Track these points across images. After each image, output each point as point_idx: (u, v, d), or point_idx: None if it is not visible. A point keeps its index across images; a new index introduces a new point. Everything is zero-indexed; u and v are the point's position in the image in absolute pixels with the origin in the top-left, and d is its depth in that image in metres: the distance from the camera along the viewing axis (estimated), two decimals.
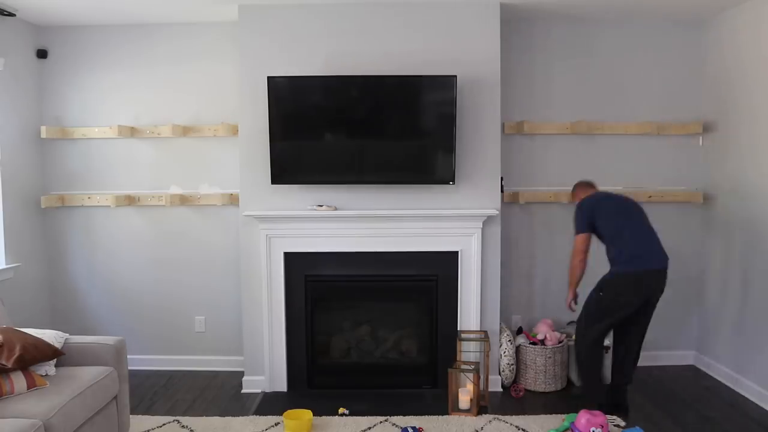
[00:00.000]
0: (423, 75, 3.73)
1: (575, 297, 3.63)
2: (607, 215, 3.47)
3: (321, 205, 3.83)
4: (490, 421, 3.45)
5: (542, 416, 3.51)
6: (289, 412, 3.38)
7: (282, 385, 3.94)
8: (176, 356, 4.37)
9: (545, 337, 3.99)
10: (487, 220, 3.84)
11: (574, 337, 3.72)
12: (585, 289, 3.55)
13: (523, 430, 3.34)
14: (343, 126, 3.81)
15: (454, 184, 3.78)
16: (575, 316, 3.71)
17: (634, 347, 3.57)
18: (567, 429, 3.29)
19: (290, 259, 3.87)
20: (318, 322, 3.99)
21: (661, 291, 3.48)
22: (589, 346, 3.52)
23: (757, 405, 3.66)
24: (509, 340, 3.96)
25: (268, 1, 3.75)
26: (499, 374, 3.97)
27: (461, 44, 3.81)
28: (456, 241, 3.85)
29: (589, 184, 3.74)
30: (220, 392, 3.96)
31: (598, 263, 3.51)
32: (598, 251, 3.52)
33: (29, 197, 4.15)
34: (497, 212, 3.82)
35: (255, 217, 3.80)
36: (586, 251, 3.50)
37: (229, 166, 4.20)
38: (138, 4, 3.76)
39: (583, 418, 3.18)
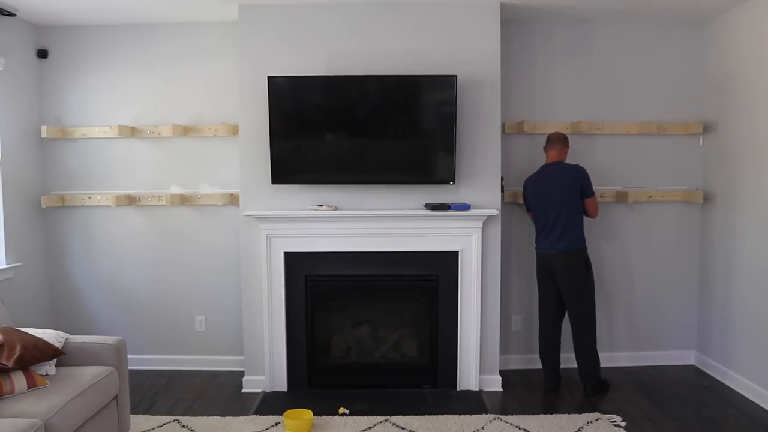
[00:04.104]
0: (423, 75, 3.73)
1: None
2: (532, 194, 3.88)
3: (321, 205, 3.83)
4: (490, 421, 3.45)
5: (542, 416, 3.51)
6: (290, 411, 3.38)
7: (282, 385, 3.94)
8: (176, 356, 4.36)
9: None
10: (487, 220, 3.84)
11: None
12: None
13: (523, 430, 3.34)
14: (344, 126, 3.81)
15: (454, 184, 3.78)
16: None
17: (574, 338, 3.80)
18: None
19: (290, 259, 3.87)
20: (318, 322, 3.99)
21: (565, 277, 3.72)
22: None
23: (757, 405, 3.66)
24: None
25: (269, 0, 3.74)
26: (499, 374, 3.97)
27: (462, 44, 3.81)
28: (456, 241, 3.85)
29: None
30: (221, 392, 3.95)
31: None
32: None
33: (29, 197, 4.14)
34: (497, 212, 3.82)
35: (255, 216, 3.79)
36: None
37: (230, 166, 4.19)
38: (138, 3, 3.76)
39: None
